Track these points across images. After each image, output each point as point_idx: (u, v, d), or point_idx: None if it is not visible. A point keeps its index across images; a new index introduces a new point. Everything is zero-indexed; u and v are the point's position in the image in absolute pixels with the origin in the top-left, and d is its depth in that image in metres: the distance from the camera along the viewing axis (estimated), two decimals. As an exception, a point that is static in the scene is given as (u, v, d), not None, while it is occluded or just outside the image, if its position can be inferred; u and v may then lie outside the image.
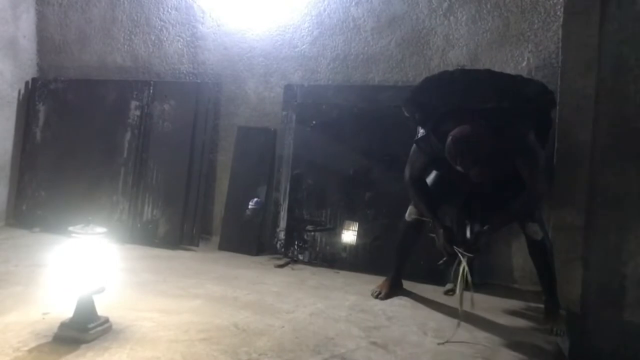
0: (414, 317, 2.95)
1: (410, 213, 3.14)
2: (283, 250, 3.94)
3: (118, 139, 4.38)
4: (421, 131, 2.92)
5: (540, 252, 2.99)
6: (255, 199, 3.95)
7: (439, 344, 2.59)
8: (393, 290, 3.25)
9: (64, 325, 2.49)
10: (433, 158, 2.89)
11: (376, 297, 3.19)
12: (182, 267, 3.68)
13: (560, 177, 3.30)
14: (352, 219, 3.80)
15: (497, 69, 3.44)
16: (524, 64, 3.45)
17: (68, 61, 4.75)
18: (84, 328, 2.47)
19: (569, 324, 3.06)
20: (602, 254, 3.30)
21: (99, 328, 2.51)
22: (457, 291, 2.84)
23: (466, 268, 2.74)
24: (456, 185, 2.94)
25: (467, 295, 2.77)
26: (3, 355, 2.29)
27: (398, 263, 3.28)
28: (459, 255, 2.77)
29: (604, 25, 3.16)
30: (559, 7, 3.28)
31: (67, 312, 2.53)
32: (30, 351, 2.34)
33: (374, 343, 2.59)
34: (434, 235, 2.96)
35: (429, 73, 3.45)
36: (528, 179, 2.77)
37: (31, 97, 4.74)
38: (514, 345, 2.64)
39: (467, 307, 2.76)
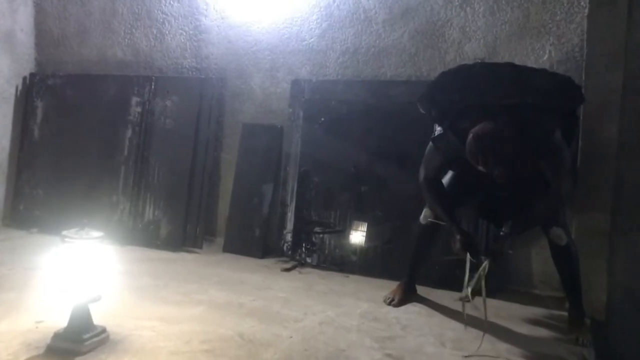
0: (430, 326, 2.78)
1: (425, 216, 2.97)
2: (290, 252, 3.78)
3: (118, 136, 4.23)
4: (438, 129, 2.75)
5: (565, 258, 2.81)
6: None
7: (464, 357, 2.41)
8: (407, 296, 3.08)
9: (57, 336, 2.33)
10: (450, 158, 2.72)
11: (389, 303, 3.03)
12: (185, 270, 3.53)
13: (585, 177, 3.14)
14: (363, 220, 3.64)
15: (517, 62, 3.26)
16: (545, 57, 3.27)
17: (67, 55, 4.60)
18: (78, 339, 2.31)
19: (593, 333, 2.90)
20: (629, 258, 3.14)
21: (95, 339, 2.35)
22: (474, 298, 2.69)
23: (484, 275, 2.58)
24: (474, 186, 2.77)
25: (486, 302, 2.60)
26: (-8, 367, 2.14)
27: (412, 268, 3.11)
28: (476, 261, 2.60)
29: (632, 16, 2.99)
30: (583, -4, 3.10)
31: (61, 321, 2.37)
32: (20, 364, 2.19)
33: (388, 355, 2.42)
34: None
35: (444, 67, 3.28)
36: (553, 180, 2.59)
37: (29, 93, 4.60)
38: (537, 358, 2.47)
39: (486, 315, 2.59)
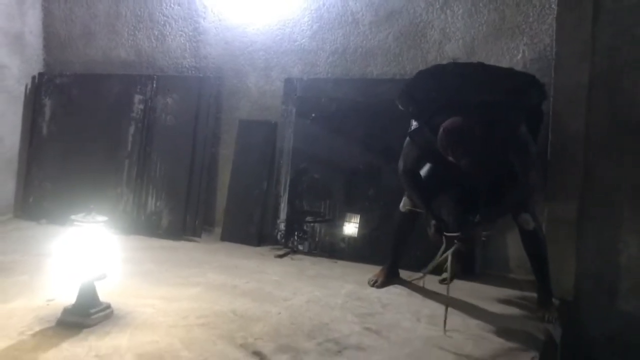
0: (408, 304, 3.01)
1: (404, 204, 3.20)
2: (283, 241, 4.01)
3: (122, 132, 4.46)
4: (414, 124, 2.98)
5: (532, 242, 3.02)
6: None
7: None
8: (389, 279, 3.31)
9: (67, 311, 2.58)
10: (426, 150, 2.94)
11: (372, 285, 3.26)
12: (185, 257, 3.76)
13: (554, 169, 3.37)
14: (351, 210, 3.86)
15: (493, 61, 3.49)
16: (519, 56, 3.48)
17: (73, 56, 4.82)
18: (86, 313, 2.55)
19: (562, 312, 3.13)
20: (596, 244, 3.38)
21: (101, 313, 2.60)
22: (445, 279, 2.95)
23: (450, 257, 2.81)
24: (450, 178, 3.00)
25: (450, 281, 2.87)
26: (8, 338, 2.38)
27: (394, 253, 3.34)
28: (447, 243, 2.83)
29: (598, 18, 3.22)
30: (554, 0, 3.32)
31: (70, 299, 2.62)
32: (34, 335, 2.44)
33: (367, 329, 2.66)
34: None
35: (426, 66, 3.48)
36: (520, 171, 2.81)
37: (37, 92, 4.82)
38: (505, 332, 2.70)
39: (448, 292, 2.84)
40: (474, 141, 2.63)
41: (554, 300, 3.08)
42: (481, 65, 3.05)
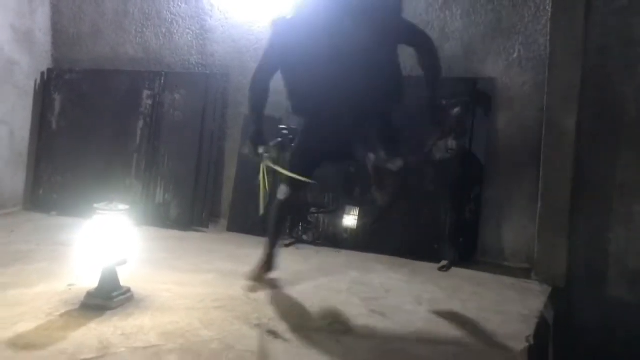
0: (410, 290, 3.18)
1: (282, 192, 3.11)
2: (288, 231, 4.16)
3: (131, 127, 4.60)
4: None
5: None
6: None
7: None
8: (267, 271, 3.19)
9: (90, 294, 2.73)
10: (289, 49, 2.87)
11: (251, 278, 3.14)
12: (194, 246, 3.92)
13: (548, 163, 3.54)
14: (353, 202, 4.02)
15: (490, 60, 3.70)
16: (515, 55, 3.65)
17: (82, 53, 4.96)
18: (108, 296, 2.70)
19: (554, 297, 3.31)
20: (587, 234, 3.55)
21: (122, 297, 2.75)
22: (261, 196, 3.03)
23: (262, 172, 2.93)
24: (322, 142, 2.97)
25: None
26: (37, 319, 2.54)
27: (274, 241, 3.20)
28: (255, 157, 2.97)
29: (589, 19, 3.40)
30: (548, 1, 3.48)
31: (91, 283, 2.77)
32: (61, 316, 2.59)
33: (373, 311, 2.83)
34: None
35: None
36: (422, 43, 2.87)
37: (47, 87, 4.96)
38: (501, 314, 2.87)
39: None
40: None
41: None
42: None
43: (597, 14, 3.37)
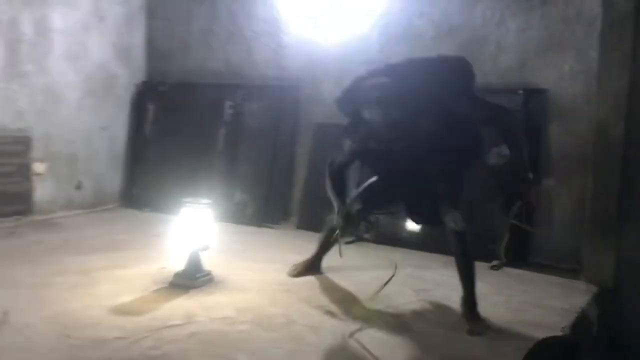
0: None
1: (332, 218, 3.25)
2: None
3: (214, 134, 5.12)
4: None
5: (460, 243, 2.91)
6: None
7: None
8: (308, 270, 3.52)
9: (177, 275, 3.21)
10: (362, 144, 3.00)
11: (292, 275, 3.48)
12: (266, 240, 4.37)
13: (598, 169, 3.72)
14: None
15: (542, 73, 3.92)
16: (567, 68, 3.86)
17: (173, 67, 5.54)
18: (193, 277, 3.18)
19: (600, 297, 3.48)
20: (636, 238, 3.70)
21: (204, 278, 3.22)
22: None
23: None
24: (393, 184, 3.07)
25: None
26: (134, 293, 3.05)
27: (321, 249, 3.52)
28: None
29: (637, 33, 3.57)
30: (599, 18, 3.67)
31: (179, 266, 3.25)
32: (154, 292, 3.09)
33: (422, 300, 3.17)
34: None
35: (482, 76, 3.88)
36: (509, 136, 2.75)
37: (142, 98, 5.57)
38: (542, 307, 3.12)
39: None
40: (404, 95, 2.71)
41: (477, 312, 2.95)
42: (409, 60, 3.04)
43: (647, 26, 3.53)
